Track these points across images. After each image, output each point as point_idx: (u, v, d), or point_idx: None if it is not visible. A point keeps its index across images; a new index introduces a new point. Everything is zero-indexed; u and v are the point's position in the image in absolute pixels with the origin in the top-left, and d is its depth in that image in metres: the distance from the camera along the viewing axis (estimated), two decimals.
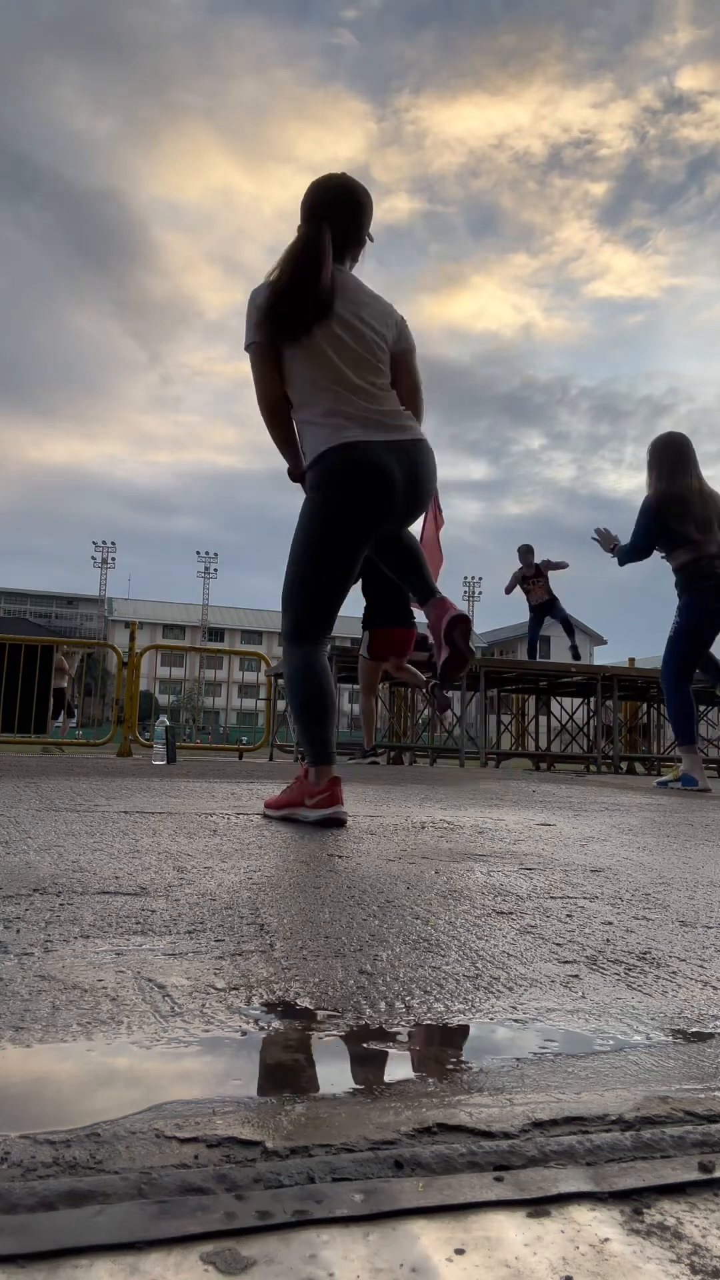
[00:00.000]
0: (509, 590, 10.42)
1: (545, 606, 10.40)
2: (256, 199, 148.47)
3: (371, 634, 6.33)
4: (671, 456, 4.97)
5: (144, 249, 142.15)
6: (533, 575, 10.28)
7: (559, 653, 10.68)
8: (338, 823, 2.34)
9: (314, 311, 2.39)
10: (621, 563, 5.14)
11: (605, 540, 5.13)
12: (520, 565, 10.31)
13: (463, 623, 2.49)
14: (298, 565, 2.47)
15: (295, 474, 2.58)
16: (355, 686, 7.13)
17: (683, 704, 5.00)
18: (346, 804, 2.49)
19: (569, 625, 10.43)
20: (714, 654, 5.19)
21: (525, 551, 10.30)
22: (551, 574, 10.37)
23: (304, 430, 2.49)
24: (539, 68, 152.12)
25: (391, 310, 2.58)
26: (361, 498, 2.40)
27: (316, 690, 2.45)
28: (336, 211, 2.50)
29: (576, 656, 10.51)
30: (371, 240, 2.63)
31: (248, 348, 2.49)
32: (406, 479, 2.41)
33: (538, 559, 10.27)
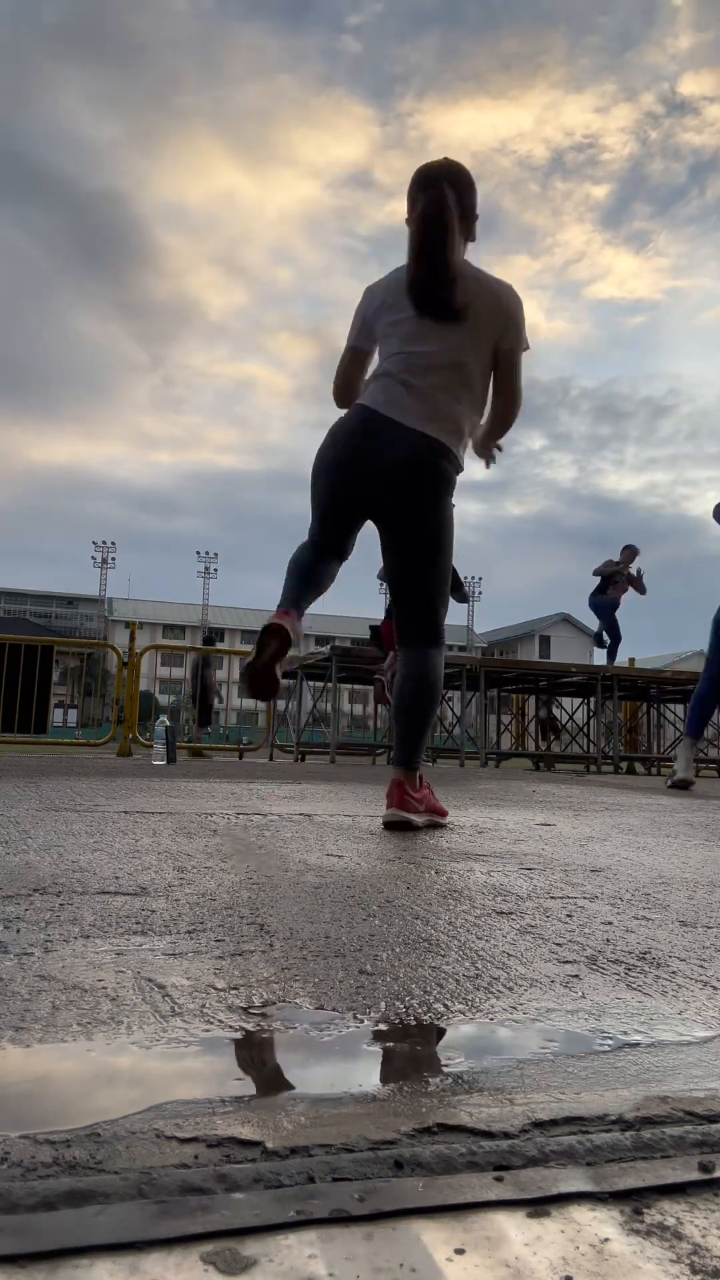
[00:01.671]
0: (597, 573, 10.42)
1: (614, 606, 10.40)
2: (259, 202, 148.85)
3: (382, 626, 6.34)
4: None
5: (147, 251, 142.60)
6: (623, 575, 10.29)
7: (559, 653, 10.65)
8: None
9: (443, 302, 2.38)
10: None
11: None
12: (618, 560, 10.30)
13: (397, 827, 2.37)
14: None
15: None
16: (354, 687, 7.14)
17: (701, 693, 5.10)
18: (348, 804, 2.49)
19: (615, 643, 10.41)
20: None
21: (629, 552, 10.29)
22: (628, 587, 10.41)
23: (364, 385, 2.54)
24: (541, 72, 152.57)
25: (501, 302, 2.46)
26: (341, 451, 2.42)
27: (300, 558, 2.47)
28: (451, 182, 2.44)
29: (611, 658, 10.49)
30: (478, 218, 2.55)
31: (348, 343, 2.57)
32: (400, 472, 2.37)
33: (633, 565, 10.30)
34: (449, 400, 2.40)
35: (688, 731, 5.19)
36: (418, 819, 2.38)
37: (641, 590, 10.31)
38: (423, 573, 2.47)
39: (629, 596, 10.50)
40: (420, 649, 2.50)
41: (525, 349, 2.51)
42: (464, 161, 2.51)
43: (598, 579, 10.43)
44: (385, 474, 2.38)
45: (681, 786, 4.89)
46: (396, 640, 2.58)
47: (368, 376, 2.54)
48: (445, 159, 2.52)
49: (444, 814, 2.56)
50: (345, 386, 2.62)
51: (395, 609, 2.56)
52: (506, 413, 2.57)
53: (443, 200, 2.39)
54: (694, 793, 4.70)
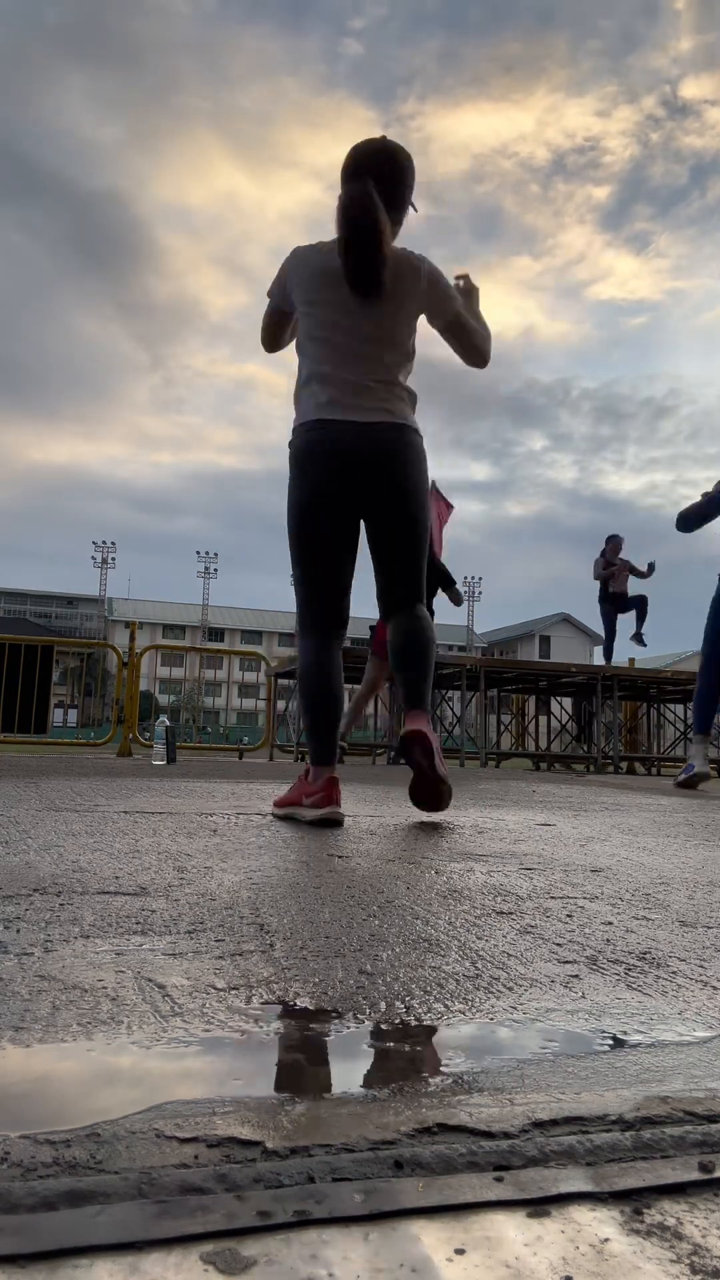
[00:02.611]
0: (597, 578, 10.45)
1: (623, 597, 10.41)
2: (261, 203, 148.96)
3: (380, 627, 6.38)
4: None
5: (148, 252, 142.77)
6: (616, 566, 10.31)
7: (559, 653, 10.73)
8: (334, 823, 2.32)
9: (374, 276, 2.36)
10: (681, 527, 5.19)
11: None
12: (607, 555, 10.29)
13: (418, 740, 2.37)
14: (292, 554, 2.50)
15: None
16: (357, 687, 7.15)
17: (702, 691, 5.11)
18: (347, 804, 2.49)
19: (642, 612, 10.39)
20: None
21: (614, 543, 10.30)
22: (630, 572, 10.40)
23: (296, 396, 2.52)
24: (543, 75, 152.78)
25: (420, 268, 2.48)
26: (321, 478, 2.41)
27: (319, 687, 2.45)
28: (378, 175, 2.42)
29: (642, 643, 10.48)
30: (415, 209, 2.55)
31: (268, 295, 2.58)
32: (376, 462, 2.40)
33: (619, 555, 10.30)
34: (386, 373, 2.44)
35: (697, 730, 5.20)
36: (442, 768, 2.40)
37: (641, 573, 10.31)
38: (413, 541, 2.51)
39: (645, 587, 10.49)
40: (418, 607, 2.55)
41: (460, 303, 2.56)
42: (465, 164, 2.62)
43: (598, 583, 10.46)
44: (364, 472, 2.41)
45: (689, 785, 4.89)
46: (390, 609, 2.56)
47: (303, 377, 2.49)
48: (381, 141, 2.50)
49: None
50: (272, 338, 2.66)
51: (385, 579, 2.55)
52: (483, 357, 2.65)
53: (367, 200, 2.36)
54: (694, 792, 4.70)
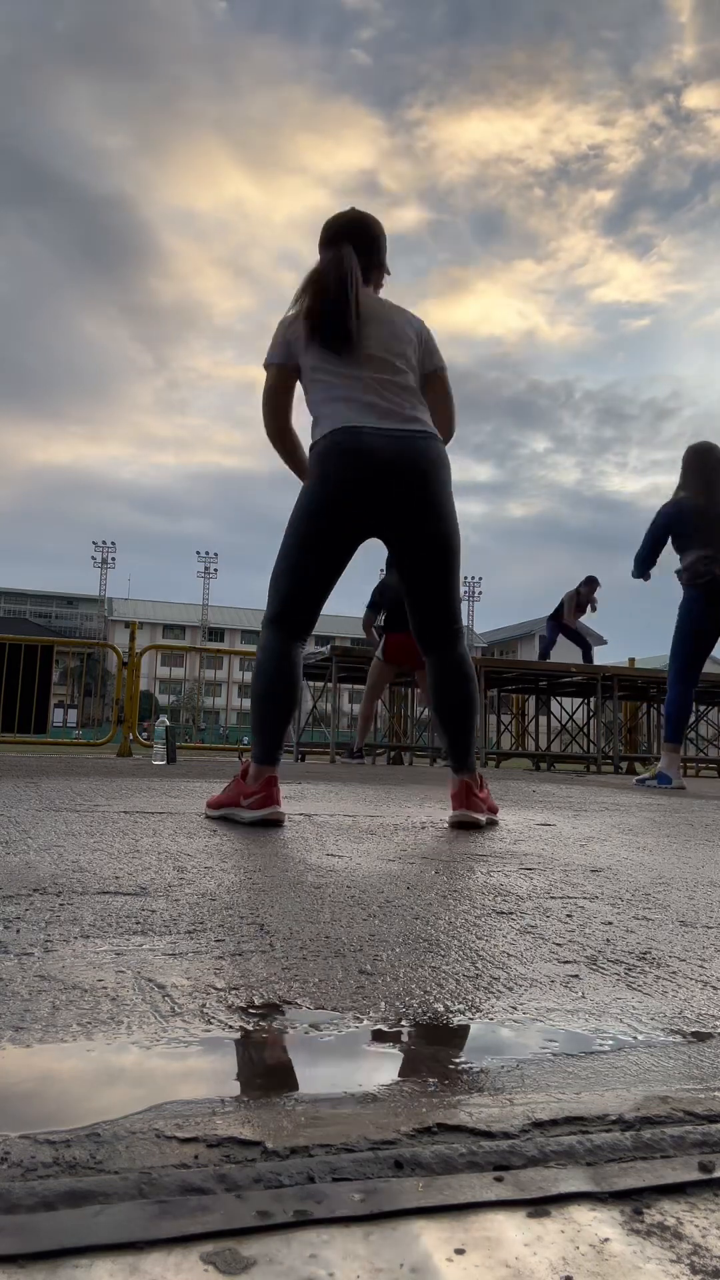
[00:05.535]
0: (566, 612, 10.53)
1: (571, 631, 10.50)
2: (266, 208, 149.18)
3: (388, 636, 6.37)
4: (697, 465, 5.10)
5: (153, 256, 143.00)
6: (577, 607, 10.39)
7: (559, 653, 10.78)
8: (275, 823, 2.28)
9: (343, 330, 2.41)
10: (636, 574, 5.27)
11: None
12: (577, 594, 10.37)
13: (467, 827, 2.41)
14: (285, 546, 2.45)
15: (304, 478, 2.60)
16: (355, 687, 7.15)
17: (676, 701, 5.08)
18: (348, 804, 2.48)
19: (587, 657, 10.51)
20: None
21: (591, 583, 10.38)
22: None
23: (313, 428, 2.49)
24: (548, 84, 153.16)
25: (410, 322, 2.55)
26: (341, 477, 2.37)
27: (278, 684, 2.40)
28: (353, 241, 2.55)
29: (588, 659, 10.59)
30: (389, 274, 2.66)
31: (266, 366, 2.54)
32: (407, 474, 2.36)
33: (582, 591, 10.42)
34: (403, 379, 2.44)
35: (669, 739, 5.18)
36: (482, 818, 2.45)
37: (591, 609, 10.47)
38: (446, 562, 2.45)
39: (609, 589, 10.64)
40: (459, 646, 2.51)
41: (445, 369, 2.60)
42: (470, 170, 2.64)
43: (556, 605, 10.59)
44: (393, 485, 2.35)
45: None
46: (428, 644, 2.51)
47: (318, 403, 2.45)
48: (353, 211, 2.62)
49: (497, 810, 2.63)
50: (277, 412, 2.56)
51: (424, 611, 2.49)
52: (449, 429, 2.61)
53: (341, 259, 2.47)
54: (695, 793, 4.70)
